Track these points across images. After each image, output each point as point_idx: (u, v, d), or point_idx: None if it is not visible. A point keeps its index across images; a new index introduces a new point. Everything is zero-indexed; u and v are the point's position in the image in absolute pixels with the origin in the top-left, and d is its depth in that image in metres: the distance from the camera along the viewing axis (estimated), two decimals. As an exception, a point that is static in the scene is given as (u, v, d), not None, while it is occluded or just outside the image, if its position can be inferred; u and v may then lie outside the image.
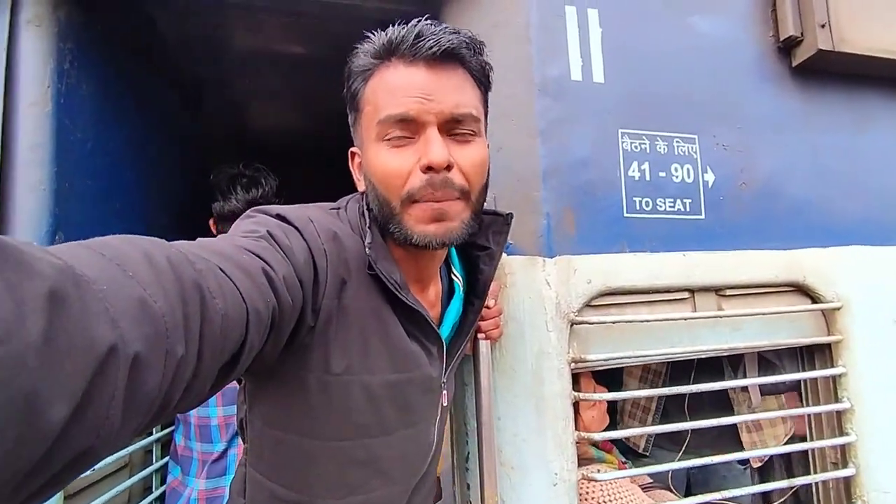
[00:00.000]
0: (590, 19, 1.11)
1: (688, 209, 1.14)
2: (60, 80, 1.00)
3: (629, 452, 1.77)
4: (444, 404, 0.85)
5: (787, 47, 1.24)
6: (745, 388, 1.51)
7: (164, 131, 1.51)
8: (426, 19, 0.66)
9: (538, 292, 1.02)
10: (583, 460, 1.16)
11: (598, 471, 1.11)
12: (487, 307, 0.92)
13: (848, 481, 1.18)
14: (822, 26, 1.18)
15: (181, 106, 1.68)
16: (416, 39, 0.63)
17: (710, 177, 1.16)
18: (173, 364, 0.35)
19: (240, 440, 1.07)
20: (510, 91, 1.06)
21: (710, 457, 1.12)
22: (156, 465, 1.33)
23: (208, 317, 0.40)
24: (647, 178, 1.11)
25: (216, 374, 0.43)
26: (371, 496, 0.78)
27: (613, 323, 1.04)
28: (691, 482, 1.72)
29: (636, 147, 1.11)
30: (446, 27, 0.65)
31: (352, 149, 0.75)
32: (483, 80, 0.71)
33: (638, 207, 1.10)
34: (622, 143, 1.10)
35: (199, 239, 0.51)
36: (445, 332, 0.82)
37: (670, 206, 1.12)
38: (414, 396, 0.77)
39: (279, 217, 0.64)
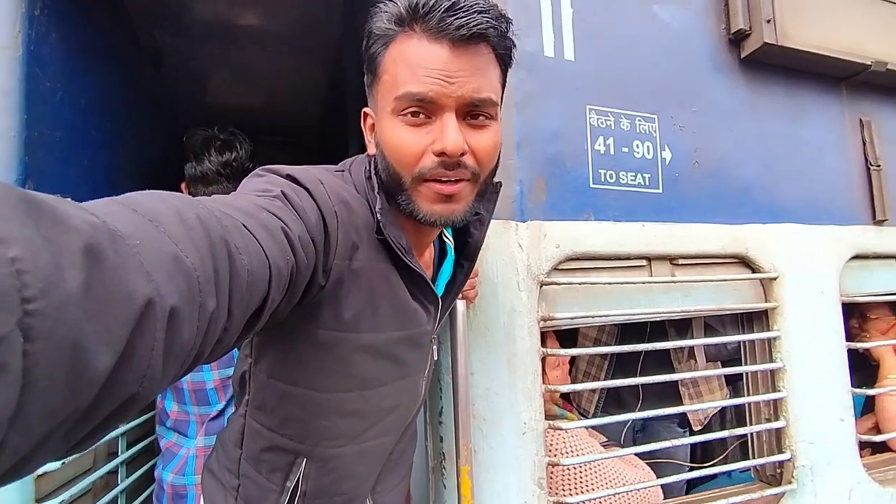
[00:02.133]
0: (563, -1, 1.17)
1: (647, 183, 1.23)
2: (31, 25, 0.97)
3: (581, 415, 1.89)
4: (435, 358, 0.91)
5: (736, 39, 1.35)
6: (691, 355, 1.64)
7: (130, 91, 1.47)
8: None
9: (511, 255, 1.08)
10: (547, 416, 1.23)
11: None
12: None
13: (779, 433, 1.31)
14: (768, 21, 1.29)
15: (146, 68, 1.63)
16: (446, 14, 0.60)
17: (667, 154, 1.26)
18: (206, 317, 0.37)
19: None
20: (488, 63, 1.11)
21: (660, 411, 1.23)
22: (121, 430, 1.31)
23: (236, 272, 0.41)
24: (612, 152, 1.19)
25: (243, 328, 0.45)
26: (366, 445, 0.82)
27: (579, 285, 1.12)
28: (635, 444, 1.86)
29: (602, 123, 1.19)
30: (477, 1, 0.62)
31: (365, 109, 0.74)
32: (506, 59, 0.69)
33: (603, 179, 1.18)
34: (590, 118, 1.18)
35: (215, 196, 0.52)
36: (439, 291, 0.85)
37: (632, 180, 1.21)
38: (410, 351, 0.81)
39: (289, 177, 0.64)
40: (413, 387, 0.87)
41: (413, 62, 0.62)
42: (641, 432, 1.89)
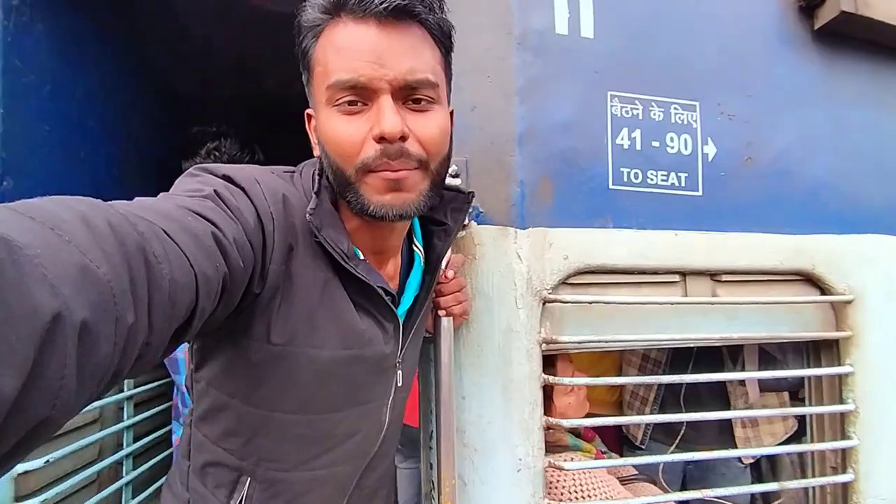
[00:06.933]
0: (582, -32, 1.00)
1: (683, 184, 1.03)
2: (7, 16, 0.95)
3: (627, 444, 1.70)
4: (399, 384, 0.81)
5: (809, 7, 1.10)
6: (742, 382, 1.41)
7: (136, 80, 1.46)
8: None
9: (508, 266, 0.94)
10: (556, 447, 1.09)
11: (571, 459, 1.04)
12: (445, 279, 0.86)
13: (846, 486, 1.08)
14: (849, -16, 1.05)
15: (157, 55, 1.62)
16: None
17: (710, 149, 1.05)
18: (124, 331, 0.34)
19: None
20: (486, 43, 0.97)
21: (701, 452, 1.04)
22: (127, 423, 1.32)
23: (155, 282, 0.38)
24: (638, 147, 1.01)
25: (168, 340, 0.42)
26: (316, 473, 0.75)
27: (590, 303, 0.96)
28: (687, 478, 1.64)
29: (627, 112, 1.01)
30: None
31: (307, 110, 0.70)
32: (443, 40, 0.64)
33: (626, 179, 1.00)
34: (611, 106, 1.00)
35: (138, 198, 0.48)
36: (407, 304, 0.78)
37: (663, 180, 1.02)
38: (365, 375, 0.73)
39: (225, 177, 0.60)
40: (374, 415, 0.79)
41: (341, 47, 0.59)
42: (693, 464, 1.66)
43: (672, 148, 1.03)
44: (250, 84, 2.26)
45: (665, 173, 1.03)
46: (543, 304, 0.95)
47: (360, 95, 0.59)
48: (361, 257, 0.69)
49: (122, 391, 1.32)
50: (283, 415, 0.70)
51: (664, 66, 1.04)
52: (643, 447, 1.66)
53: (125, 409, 1.34)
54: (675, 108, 1.04)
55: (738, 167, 1.07)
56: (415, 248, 0.80)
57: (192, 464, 0.78)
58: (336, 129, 0.60)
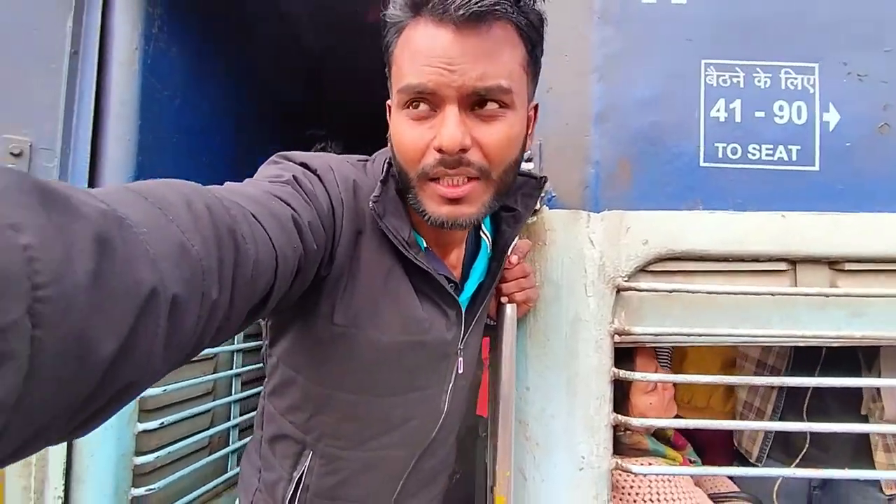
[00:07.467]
0: (671, -76, 0.91)
1: (794, 158, 0.89)
2: (148, 42, 1.12)
3: (740, 459, 1.52)
4: (460, 371, 0.80)
5: (979, -67, 0.88)
6: (878, 395, 1.18)
7: (257, 92, 1.63)
8: None
9: (579, 251, 0.89)
10: (634, 450, 1.01)
11: (648, 464, 0.96)
12: (509, 265, 0.83)
13: None
14: None
15: (278, 70, 1.79)
16: None
17: (832, 116, 0.89)
18: (208, 306, 0.37)
19: None
20: (567, 21, 0.93)
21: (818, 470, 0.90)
22: (234, 397, 1.49)
23: (241, 262, 0.41)
24: (738, 118, 0.90)
25: (245, 316, 0.45)
26: (372, 454, 0.77)
27: (669, 292, 0.87)
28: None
29: (725, 81, 0.90)
30: None
31: (388, 101, 0.69)
32: (530, 34, 0.61)
33: (720, 155, 0.89)
34: (706, 76, 0.90)
35: (228, 183, 0.53)
36: (470, 290, 0.77)
37: (768, 155, 0.89)
38: (425, 360, 0.74)
39: (303, 164, 0.63)
40: (431, 402, 0.79)
41: (415, 50, 0.57)
42: (821, 490, 1.43)
43: (781, 118, 0.90)
44: (363, 94, 2.42)
45: (771, 147, 0.89)
46: (617, 292, 0.89)
47: (427, 101, 0.58)
48: (424, 245, 0.70)
49: (231, 368, 1.50)
50: (343, 394, 0.73)
51: (773, 24, 0.90)
52: (759, 464, 1.46)
53: (233, 384, 1.51)
54: (787, 72, 0.90)
55: (870, 136, 0.89)
56: (482, 234, 0.79)
57: (264, 434, 0.83)
58: (402, 134, 0.60)
